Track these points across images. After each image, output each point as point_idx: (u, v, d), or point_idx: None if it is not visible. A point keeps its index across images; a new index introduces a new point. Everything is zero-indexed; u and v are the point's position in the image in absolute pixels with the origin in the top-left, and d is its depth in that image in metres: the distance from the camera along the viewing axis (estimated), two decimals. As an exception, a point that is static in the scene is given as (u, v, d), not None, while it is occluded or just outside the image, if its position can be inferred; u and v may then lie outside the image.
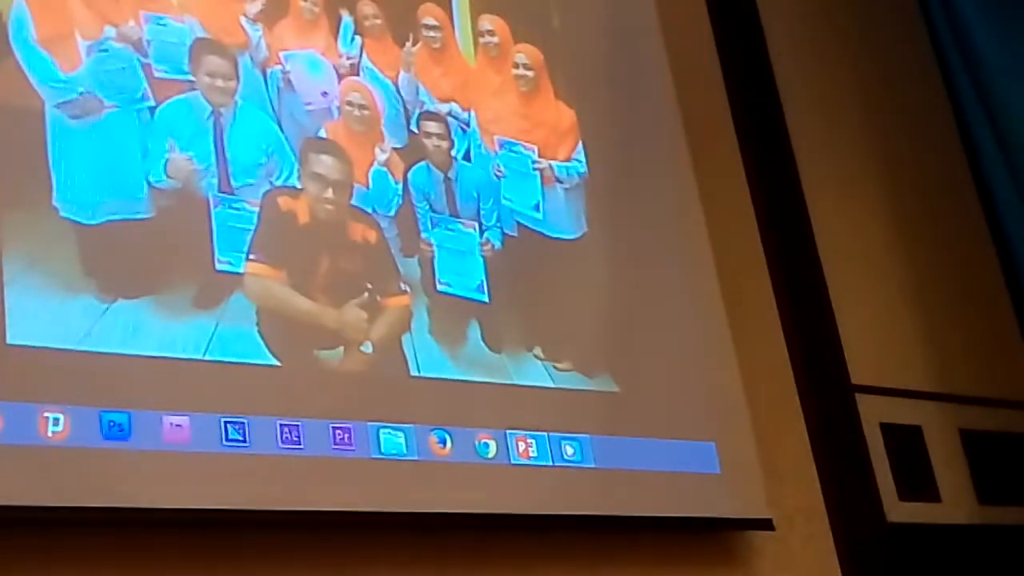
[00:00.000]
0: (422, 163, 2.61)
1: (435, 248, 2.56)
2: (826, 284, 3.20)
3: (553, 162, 2.82)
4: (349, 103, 2.55)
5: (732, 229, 3.12)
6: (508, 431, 2.49)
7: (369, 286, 2.43)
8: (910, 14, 3.91)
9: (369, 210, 2.50)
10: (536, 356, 2.61)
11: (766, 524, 2.78)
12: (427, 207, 2.58)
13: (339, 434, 2.26)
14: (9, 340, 1.97)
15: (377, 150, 2.56)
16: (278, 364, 2.25)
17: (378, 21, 2.66)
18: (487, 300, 2.59)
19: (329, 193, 2.45)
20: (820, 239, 3.25)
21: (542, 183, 2.79)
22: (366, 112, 2.57)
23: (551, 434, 2.55)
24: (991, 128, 3.64)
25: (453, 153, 2.67)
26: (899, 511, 3.05)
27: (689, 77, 3.19)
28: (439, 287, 2.53)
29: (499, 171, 2.73)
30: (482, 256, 2.62)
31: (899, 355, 3.29)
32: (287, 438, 2.19)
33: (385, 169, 2.55)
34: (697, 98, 3.20)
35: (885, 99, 3.66)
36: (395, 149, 2.59)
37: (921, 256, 3.48)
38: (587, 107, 2.93)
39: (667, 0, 3.23)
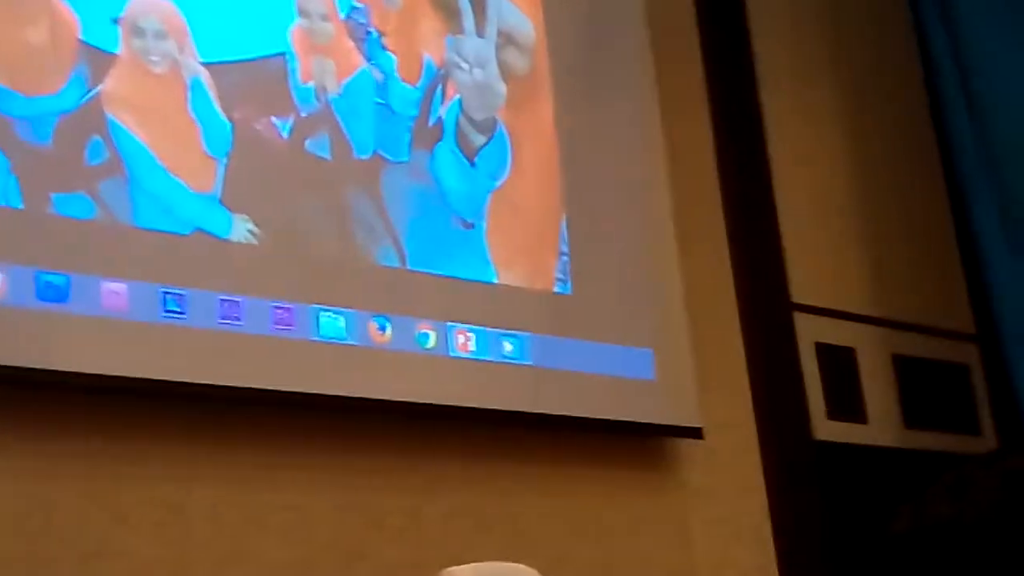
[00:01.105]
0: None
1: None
2: (775, 201, 3.21)
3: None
4: None
5: (687, 137, 3.13)
6: (448, 323, 2.51)
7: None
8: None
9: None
10: (481, 249, 2.64)
11: (696, 432, 2.82)
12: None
13: (279, 314, 2.27)
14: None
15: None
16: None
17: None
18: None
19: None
20: (773, 156, 3.25)
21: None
22: None
23: (491, 329, 2.57)
24: (957, 70, 3.65)
25: (414, 42, 2.66)
26: (827, 429, 3.11)
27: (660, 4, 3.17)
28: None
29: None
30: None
31: (840, 277, 3.32)
32: (227, 313, 2.20)
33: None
34: (664, 11, 3.18)
35: (848, 23, 3.65)
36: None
37: (871, 182, 3.50)
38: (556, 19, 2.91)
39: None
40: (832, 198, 3.39)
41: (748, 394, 3.05)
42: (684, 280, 2.91)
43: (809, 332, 3.16)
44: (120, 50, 2.24)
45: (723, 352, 3.03)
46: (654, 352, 2.80)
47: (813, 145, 3.40)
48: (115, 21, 2.25)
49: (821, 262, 3.28)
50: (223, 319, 2.20)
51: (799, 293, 3.17)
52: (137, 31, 2.27)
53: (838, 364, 3.19)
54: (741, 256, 3.14)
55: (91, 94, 2.18)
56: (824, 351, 3.17)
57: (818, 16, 3.56)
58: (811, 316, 3.17)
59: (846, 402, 3.18)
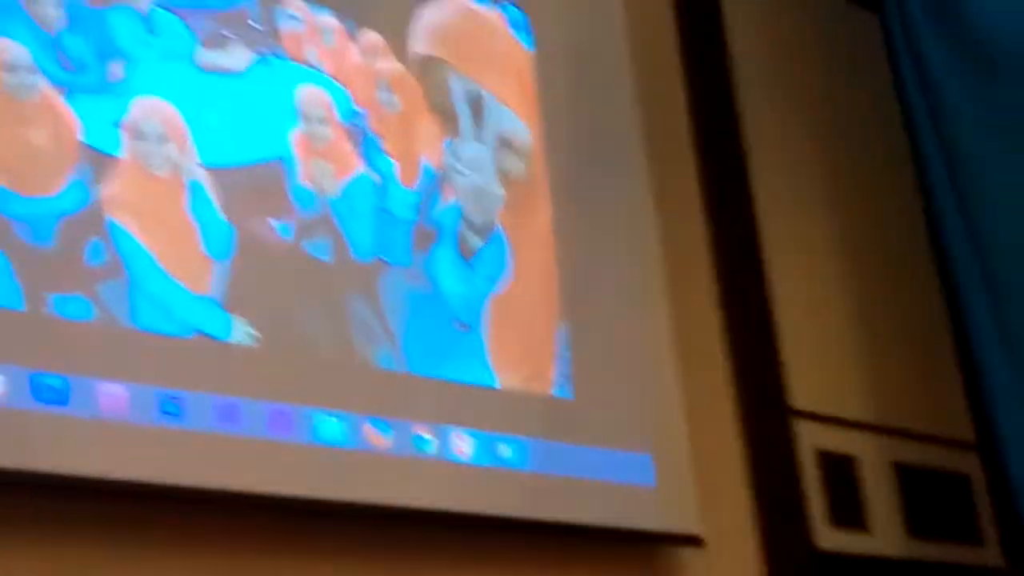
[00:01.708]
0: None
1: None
2: (772, 306, 3.21)
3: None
4: (312, 87, 2.55)
5: (682, 244, 3.14)
6: (447, 427, 2.48)
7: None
8: (876, 53, 3.95)
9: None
10: (481, 356, 2.62)
11: (696, 540, 2.79)
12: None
13: (277, 416, 2.24)
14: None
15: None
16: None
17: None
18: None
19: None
20: (769, 262, 3.26)
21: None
22: (329, 98, 2.57)
23: (489, 433, 2.54)
24: (946, 168, 3.68)
25: (413, 146, 2.68)
26: (828, 538, 3.06)
27: (651, 84, 3.21)
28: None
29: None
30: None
31: (840, 383, 3.31)
32: (224, 416, 2.17)
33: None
34: (656, 106, 3.22)
35: (843, 130, 3.69)
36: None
37: (869, 288, 3.50)
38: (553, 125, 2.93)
39: (637, 16, 3.24)
40: (830, 304, 3.39)
41: (748, 501, 3.01)
42: (683, 385, 2.89)
43: (809, 439, 3.13)
44: (121, 153, 2.24)
45: (723, 459, 3.01)
46: (654, 458, 2.77)
47: (810, 251, 3.41)
48: (117, 124, 2.26)
49: (820, 369, 3.26)
50: (220, 421, 2.17)
51: (798, 400, 3.15)
52: (139, 134, 2.28)
53: (839, 472, 3.16)
54: (739, 362, 3.13)
55: (92, 196, 2.18)
56: (825, 458, 3.14)
57: (812, 117, 3.60)
58: (811, 423, 3.15)
59: (848, 511, 3.14)
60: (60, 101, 2.20)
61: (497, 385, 2.62)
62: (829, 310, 3.38)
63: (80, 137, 2.20)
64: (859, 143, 3.71)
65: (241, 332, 2.28)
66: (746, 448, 3.05)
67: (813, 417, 3.16)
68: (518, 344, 2.69)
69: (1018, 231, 3.50)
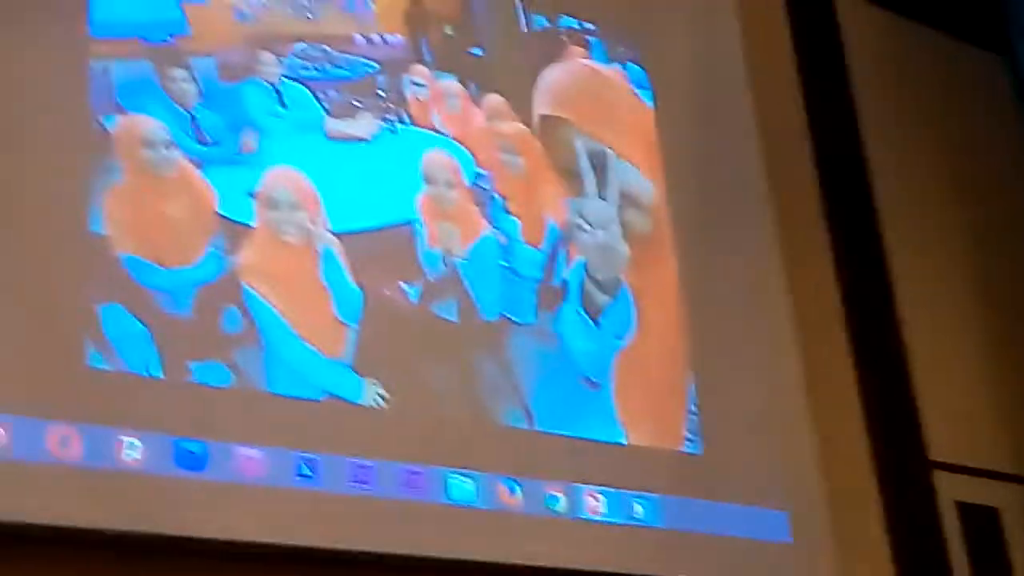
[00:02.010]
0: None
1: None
2: (907, 357, 3.15)
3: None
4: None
5: (813, 297, 3.10)
6: (578, 485, 2.48)
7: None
8: (1002, 95, 3.88)
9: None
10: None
11: (835, 597, 2.73)
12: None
13: (409, 477, 2.27)
14: (89, 363, 2.02)
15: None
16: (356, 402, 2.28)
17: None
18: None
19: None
20: (902, 312, 3.21)
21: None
22: (454, 161, 2.62)
23: (621, 491, 2.53)
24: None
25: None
26: (972, 593, 2.98)
27: (774, 134, 3.19)
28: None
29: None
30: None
31: (979, 434, 3.23)
32: (358, 477, 2.21)
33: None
34: (784, 167, 3.19)
35: (973, 174, 3.62)
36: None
37: (1005, 335, 3.42)
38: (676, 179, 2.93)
39: (759, 69, 3.23)
40: (965, 353, 3.32)
41: (888, 556, 2.94)
42: (818, 439, 2.84)
43: (949, 491, 3.06)
44: (255, 222, 2.31)
45: (860, 513, 2.94)
46: (790, 514, 2.73)
47: (943, 299, 3.35)
48: (251, 194, 2.33)
49: (957, 419, 3.19)
50: (354, 482, 2.21)
51: (937, 451, 3.08)
52: (272, 203, 2.34)
53: (981, 524, 3.08)
54: (875, 414, 3.07)
55: (227, 265, 2.24)
56: (965, 510, 3.06)
57: (939, 159, 3.54)
58: (950, 474, 3.08)
59: (991, 564, 3.05)
60: (196, 174, 2.28)
61: (626, 441, 2.61)
62: (965, 359, 3.31)
63: (216, 208, 2.27)
64: (990, 188, 3.64)
65: (372, 394, 2.32)
66: (884, 502, 2.99)
67: (952, 468, 3.09)
68: (647, 399, 2.69)
69: None
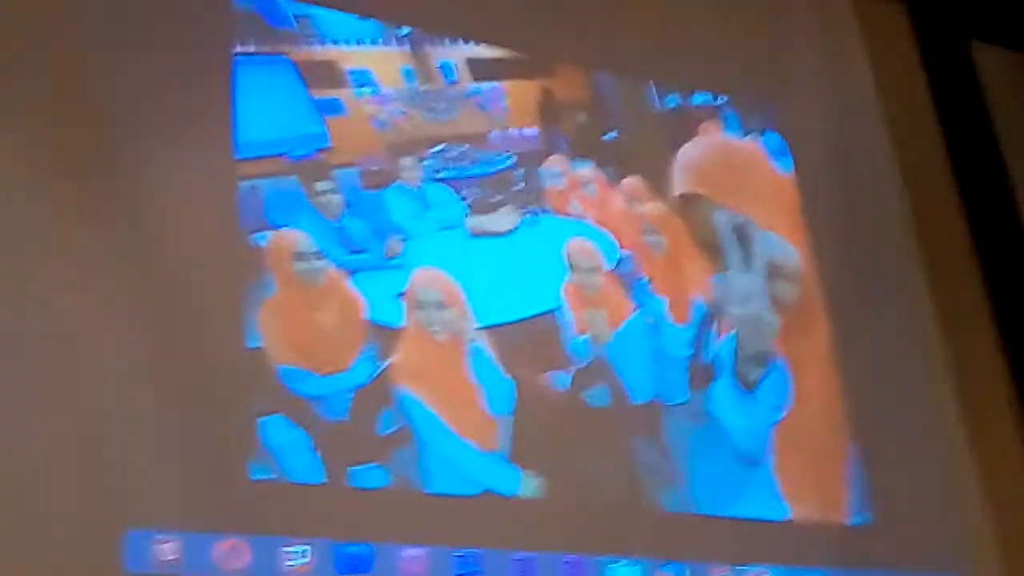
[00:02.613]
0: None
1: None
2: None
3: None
4: (579, 239, 2.65)
5: (972, 353, 3.02)
6: (744, 566, 2.45)
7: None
8: None
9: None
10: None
11: (1018, 663, 2.64)
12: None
13: (570, 568, 2.28)
14: (252, 475, 2.09)
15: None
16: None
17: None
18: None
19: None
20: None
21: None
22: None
23: (789, 568, 2.50)
24: None
25: (682, 284, 2.72)
26: None
27: (923, 200, 3.14)
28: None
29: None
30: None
31: None
32: (520, 570, 2.23)
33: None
34: (931, 221, 3.13)
35: None
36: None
37: None
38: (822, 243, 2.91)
39: (897, 122, 3.19)
40: None
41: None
42: (986, 500, 2.76)
43: None
44: (404, 323, 2.37)
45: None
46: (963, 578, 2.66)
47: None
48: (399, 296, 2.39)
49: None
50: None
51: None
52: (419, 304, 2.40)
53: None
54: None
55: (381, 368, 2.30)
56: None
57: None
58: None
59: None
60: (345, 282, 2.35)
61: (792, 517, 2.57)
62: None
63: (365, 315, 2.33)
64: None
65: (529, 485, 2.34)
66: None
67: None
68: (809, 472, 2.65)
69: None
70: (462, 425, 2.34)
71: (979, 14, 3.47)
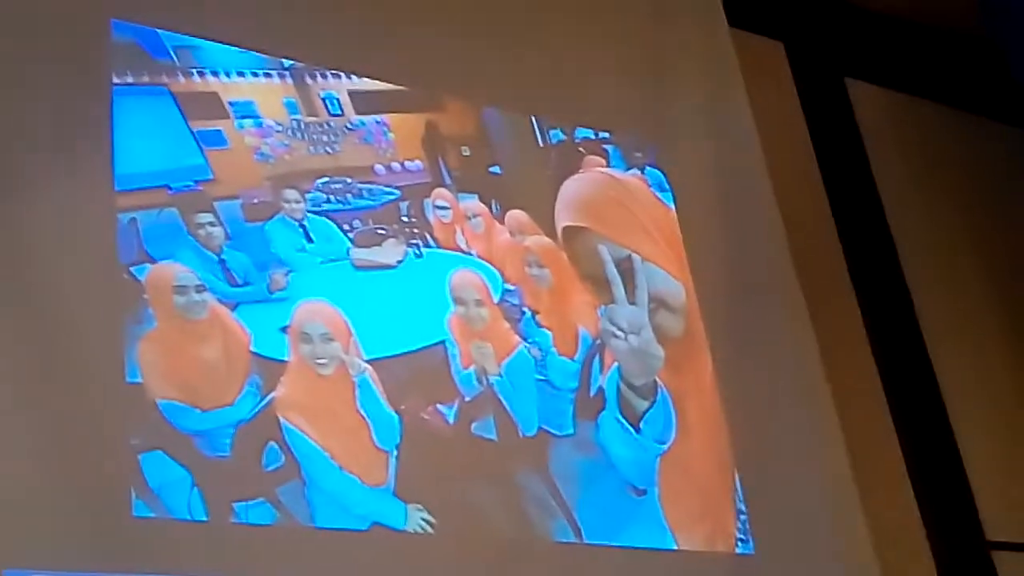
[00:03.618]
0: (537, 328, 2.66)
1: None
2: (955, 438, 3.12)
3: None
4: (464, 272, 2.64)
5: (854, 385, 3.09)
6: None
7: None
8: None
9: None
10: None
11: None
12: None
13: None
14: (135, 512, 2.04)
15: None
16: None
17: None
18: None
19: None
20: (945, 392, 3.18)
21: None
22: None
23: (676, 598, 2.51)
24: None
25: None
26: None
27: (802, 235, 3.20)
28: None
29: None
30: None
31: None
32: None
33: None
34: (811, 255, 3.20)
35: (1004, 250, 3.61)
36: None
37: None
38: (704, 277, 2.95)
39: (777, 159, 3.25)
40: (1015, 427, 3.28)
41: (953, 643, 2.89)
42: (870, 529, 2.81)
43: (1010, 571, 3.00)
44: (289, 356, 2.34)
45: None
46: (849, 607, 2.70)
47: (984, 375, 3.32)
48: (283, 330, 2.36)
49: (1013, 496, 3.14)
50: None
51: (994, 531, 3.03)
52: (304, 337, 2.37)
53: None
54: (927, 497, 3.03)
55: (265, 402, 2.27)
56: (1030, 589, 3.01)
57: (967, 235, 3.53)
58: (1010, 553, 3.03)
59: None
60: (229, 315, 2.31)
61: (677, 547, 2.59)
62: (1015, 435, 3.26)
63: (250, 347, 2.30)
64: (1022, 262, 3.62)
65: (417, 520, 2.32)
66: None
67: (1011, 547, 3.04)
68: (694, 502, 2.67)
69: None
70: (348, 459, 2.31)
71: (853, 51, 3.57)
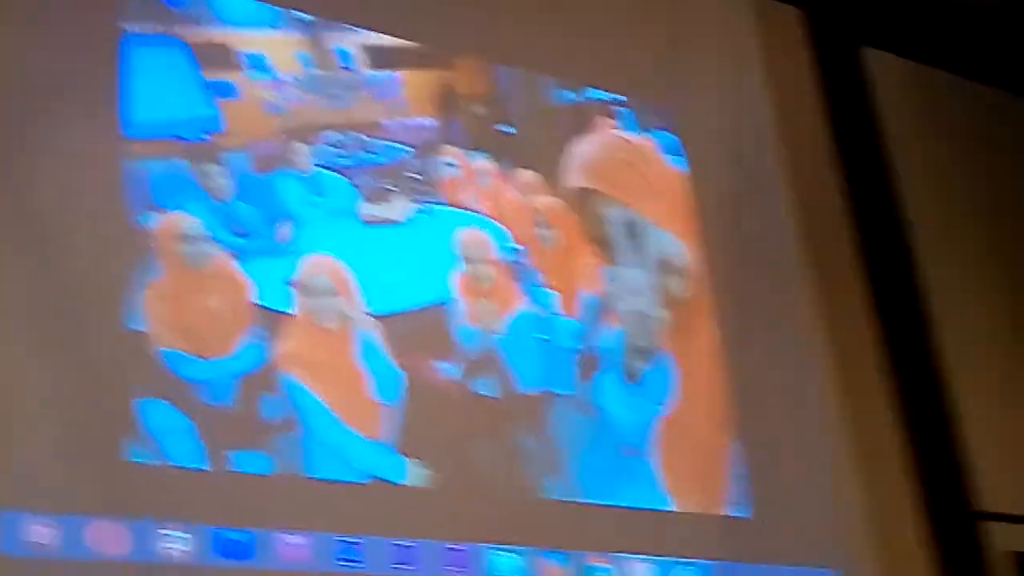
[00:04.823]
0: (542, 288, 2.68)
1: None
2: (951, 406, 3.12)
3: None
4: (471, 230, 2.66)
5: (855, 354, 3.08)
6: (624, 555, 2.49)
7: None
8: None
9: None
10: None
11: (891, 656, 2.71)
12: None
13: (452, 556, 2.29)
14: (131, 457, 2.07)
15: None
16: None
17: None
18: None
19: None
20: (944, 364, 3.18)
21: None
22: (487, 238, 2.67)
23: (668, 559, 2.54)
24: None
25: (573, 278, 2.74)
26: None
27: (812, 203, 3.19)
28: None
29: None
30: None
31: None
32: (401, 558, 2.23)
33: (505, 294, 2.64)
34: (819, 224, 3.19)
35: (1013, 224, 3.58)
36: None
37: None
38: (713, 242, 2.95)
39: (790, 126, 3.25)
40: (1011, 401, 3.28)
41: (944, 612, 2.91)
42: (865, 496, 2.82)
43: (1003, 541, 3.01)
44: (293, 309, 2.36)
45: (911, 569, 2.91)
46: (841, 573, 2.72)
47: (985, 348, 3.31)
48: (287, 283, 2.38)
49: (1006, 468, 3.14)
50: (398, 564, 2.23)
51: (988, 501, 3.04)
52: (308, 291, 2.39)
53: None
54: (920, 467, 3.04)
55: (266, 353, 2.29)
56: (1020, 560, 3.01)
57: (977, 205, 3.51)
58: (1002, 524, 3.04)
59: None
60: (233, 266, 2.34)
61: (673, 508, 2.61)
62: (1013, 406, 3.26)
63: (253, 299, 2.32)
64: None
65: (415, 474, 2.35)
66: (935, 556, 2.94)
67: (1004, 518, 3.05)
68: (691, 465, 2.69)
69: None
70: (349, 413, 2.34)
71: (871, 20, 3.54)
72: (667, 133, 3.05)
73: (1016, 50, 3.67)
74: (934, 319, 3.23)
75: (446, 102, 2.79)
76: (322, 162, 2.55)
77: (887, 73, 3.53)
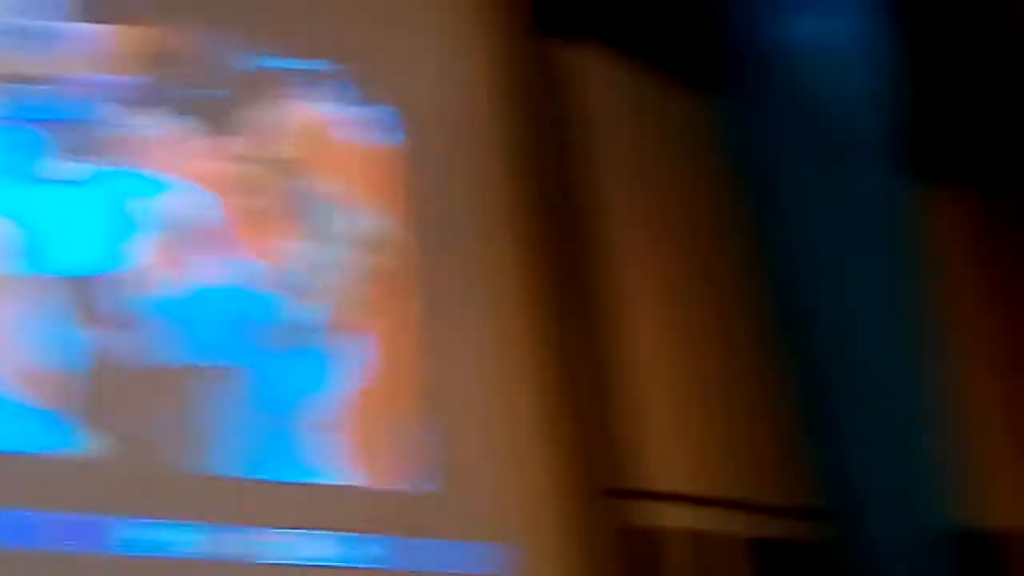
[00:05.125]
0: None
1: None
2: (627, 389, 3.17)
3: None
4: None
5: (539, 332, 3.10)
6: (305, 530, 2.49)
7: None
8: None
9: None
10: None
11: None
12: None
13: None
14: None
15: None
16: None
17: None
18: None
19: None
20: (622, 342, 3.24)
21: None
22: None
23: (349, 534, 2.55)
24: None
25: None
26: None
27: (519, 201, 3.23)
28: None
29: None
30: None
31: (690, 459, 3.25)
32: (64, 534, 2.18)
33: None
34: (529, 215, 3.22)
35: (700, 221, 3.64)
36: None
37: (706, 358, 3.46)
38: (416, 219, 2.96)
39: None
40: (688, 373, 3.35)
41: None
42: (546, 473, 2.90)
43: (669, 518, 3.07)
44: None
45: (570, 547, 2.95)
46: (518, 548, 2.78)
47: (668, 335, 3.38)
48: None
49: (670, 443, 3.19)
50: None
51: (662, 480, 3.11)
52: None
53: (693, 551, 3.10)
54: (592, 445, 3.07)
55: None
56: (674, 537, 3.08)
57: (666, 195, 3.56)
58: (669, 504, 3.08)
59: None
60: None
61: (356, 483, 2.62)
62: (684, 381, 3.31)
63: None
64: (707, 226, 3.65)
65: (88, 444, 2.28)
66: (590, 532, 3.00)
67: (668, 498, 3.12)
68: (377, 440, 2.70)
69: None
70: (20, 379, 2.25)
71: (583, 12, 3.58)
72: (379, 106, 3.04)
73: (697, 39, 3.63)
74: (615, 303, 3.27)
75: (148, 62, 2.70)
76: (4, 113, 2.43)
77: (591, 63, 3.56)
